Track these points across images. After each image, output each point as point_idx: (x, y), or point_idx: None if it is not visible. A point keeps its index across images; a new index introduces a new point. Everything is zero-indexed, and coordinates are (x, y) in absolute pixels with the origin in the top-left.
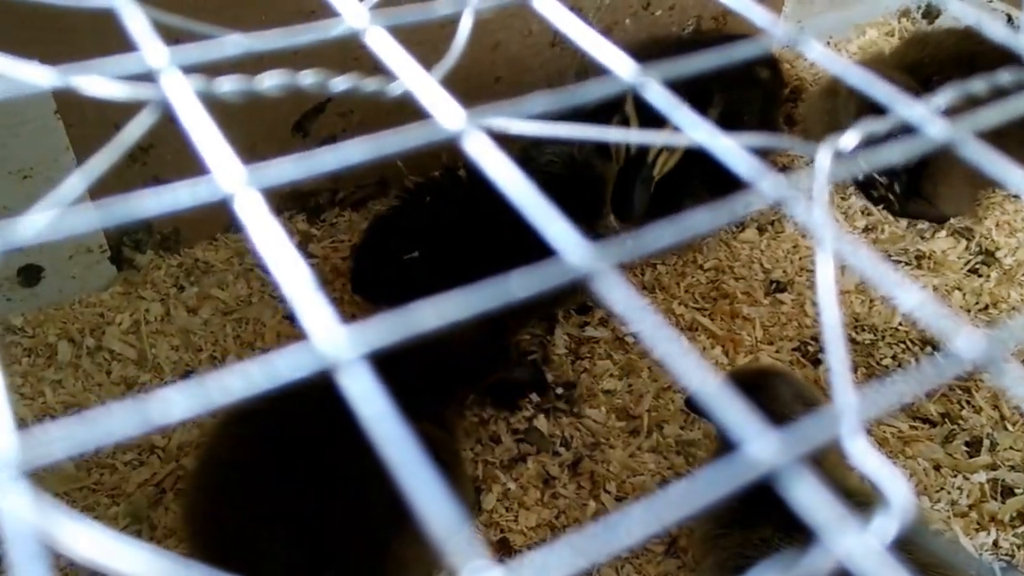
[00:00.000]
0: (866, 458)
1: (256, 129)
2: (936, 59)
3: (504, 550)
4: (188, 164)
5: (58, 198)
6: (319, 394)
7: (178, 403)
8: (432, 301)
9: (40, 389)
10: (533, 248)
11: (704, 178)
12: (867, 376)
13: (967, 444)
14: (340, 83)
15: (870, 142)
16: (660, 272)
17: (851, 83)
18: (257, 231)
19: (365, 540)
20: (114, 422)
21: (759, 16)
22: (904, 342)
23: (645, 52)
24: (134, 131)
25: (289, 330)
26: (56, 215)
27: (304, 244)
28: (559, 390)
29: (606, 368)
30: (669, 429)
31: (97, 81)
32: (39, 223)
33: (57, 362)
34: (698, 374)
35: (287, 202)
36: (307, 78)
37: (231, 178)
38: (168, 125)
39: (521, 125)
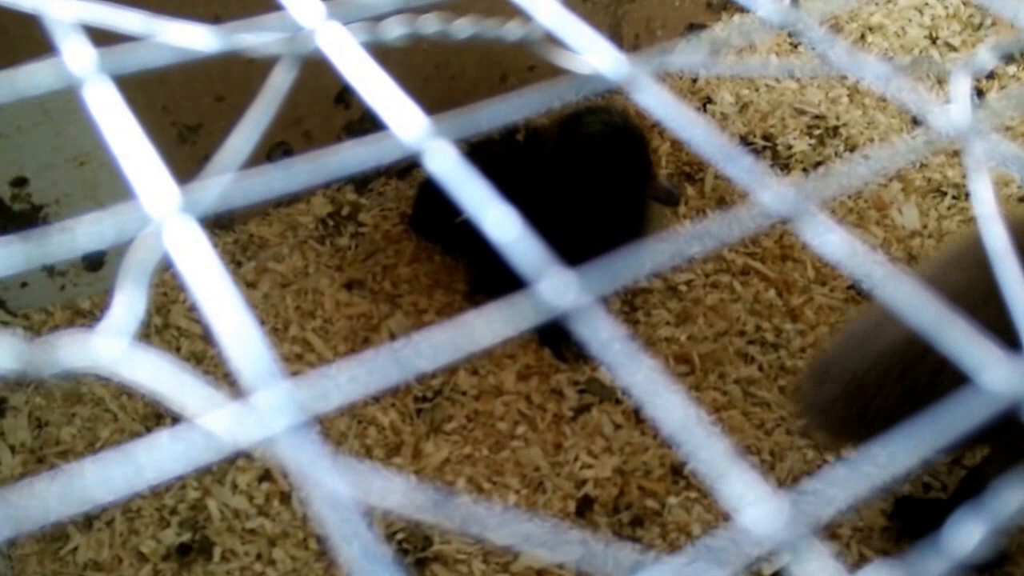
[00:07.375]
0: None
1: (300, 101)
2: None
3: (583, 502)
4: None
5: (225, 162)
6: None
7: None
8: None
9: None
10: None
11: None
12: None
13: None
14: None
15: None
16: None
17: None
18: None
19: None
20: None
21: None
22: None
23: None
24: (280, 85)
25: (348, 298)
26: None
27: (354, 214)
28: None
29: (662, 317)
30: (728, 371)
31: (254, 40)
32: (218, 187)
33: None
34: None
35: None
36: (463, 28)
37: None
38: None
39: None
